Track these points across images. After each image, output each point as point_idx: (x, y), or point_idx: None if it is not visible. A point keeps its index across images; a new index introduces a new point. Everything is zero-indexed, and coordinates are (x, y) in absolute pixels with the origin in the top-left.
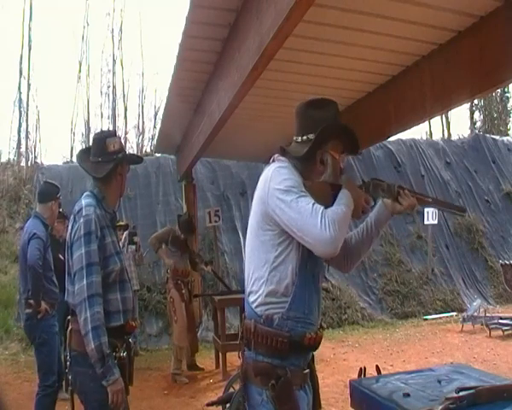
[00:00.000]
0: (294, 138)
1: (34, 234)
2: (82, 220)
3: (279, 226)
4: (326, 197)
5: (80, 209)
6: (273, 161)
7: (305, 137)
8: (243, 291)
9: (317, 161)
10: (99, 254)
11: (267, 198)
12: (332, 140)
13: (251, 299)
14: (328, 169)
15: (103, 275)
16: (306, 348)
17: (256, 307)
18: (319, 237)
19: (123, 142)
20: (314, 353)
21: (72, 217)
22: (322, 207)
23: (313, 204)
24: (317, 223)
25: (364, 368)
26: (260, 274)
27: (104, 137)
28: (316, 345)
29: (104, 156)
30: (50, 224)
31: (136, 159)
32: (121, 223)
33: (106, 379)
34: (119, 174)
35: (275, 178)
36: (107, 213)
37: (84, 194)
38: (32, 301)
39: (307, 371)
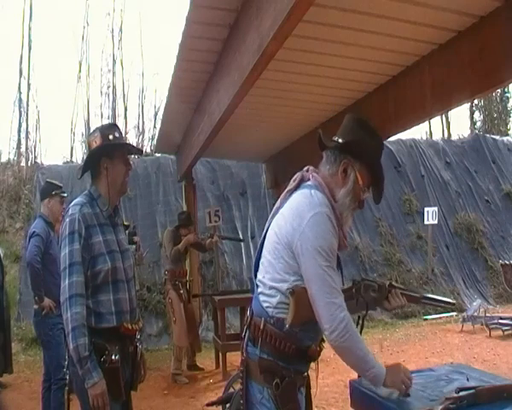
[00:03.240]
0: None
1: (33, 232)
2: (67, 220)
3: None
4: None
5: (68, 209)
6: (307, 171)
7: (340, 140)
8: (244, 291)
9: (340, 167)
10: (84, 254)
11: (297, 236)
12: (363, 165)
13: (262, 298)
14: (349, 184)
15: (91, 275)
16: (309, 358)
17: (267, 307)
18: (327, 322)
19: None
20: None
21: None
22: (344, 307)
23: (336, 289)
24: (332, 313)
25: None
26: (277, 285)
27: (87, 136)
28: (318, 356)
29: (87, 154)
30: (52, 221)
31: (124, 145)
32: (125, 223)
33: (85, 382)
34: (105, 168)
35: (313, 225)
36: (103, 211)
37: (82, 194)
38: (36, 298)
39: (306, 374)
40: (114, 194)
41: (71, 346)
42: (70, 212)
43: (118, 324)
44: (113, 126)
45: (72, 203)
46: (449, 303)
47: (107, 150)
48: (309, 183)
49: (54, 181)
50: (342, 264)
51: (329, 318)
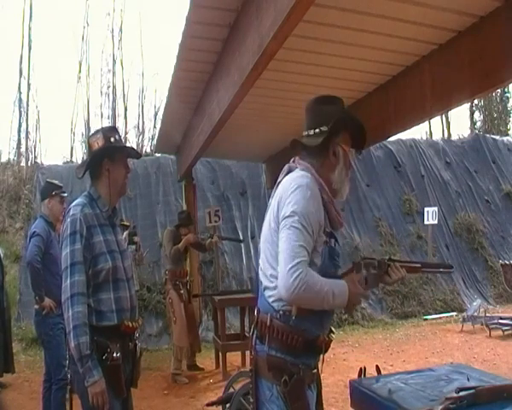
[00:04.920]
0: (305, 133)
1: (34, 232)
2: (68, 220)
3: None
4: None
5: (69, 209)
6: (293, 162)
7: (317, 130)
8: (244, 291)
9: (330, 153)
10: (85, 254)
11: (281, 205)
12: (343, 133)
13: (267, 294)
14: (340, 162)
15: (92, 274)
16: (318, 350)
17: (273, 301)
18: (283, 277)
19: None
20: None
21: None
22: (306, 261)
23: (301, 247)
24: (290, 267)
25: (364, 368)
26: (275, 272)
27: (89, 137)
28: (326, 348)
29: (89, 155)
30: (53, 221)
31: (125, 150)
32: (126, 223)
33: (86, 380)
34: (106, 170)
35: (292, 194)
36: (103, 211)
37: (82, 194)
38: (37, 298)
39: (315, 371)
40: (114, 195)
41: (72, 344)
42: (71, 212)
43: (118, 322)
44: (113, 129)
45: (74, 204)
46: (447, 267)
47: (110, 152)
48: (297, 169)
49: (54, 181)
50: (341, 264)
51: (285, 279)
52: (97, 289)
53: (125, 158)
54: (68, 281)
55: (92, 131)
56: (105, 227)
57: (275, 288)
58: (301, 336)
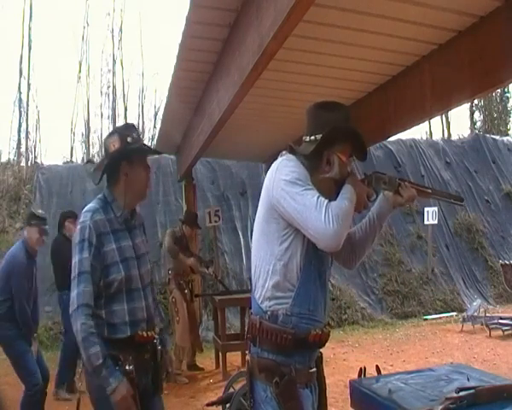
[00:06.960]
0: (304, 138)
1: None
2: (78, 227)
3: (283, 218)
4: (329, 192)
5: (80, 216)
6: (281, 156)
7: (313, 137)
8: (244, 291)
9: (323, 161)
10: (95, 263)
11: (272, 189)
12: (340, 142)
13: (257, 294)
14: (334, 170)
15: (104, 284)
16: (311, 346)
17: (261, 302)
18: (323, 230)
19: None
20: (323, 353)
21: None
22: (326, 201)
23: (318, 197)
24: (321, 217)
25: (364, 368)
26: (265, 268)
27: (105, 139)
28: (321, 342)
29: (106, 158)
30: (30, 251)
31: (145, 150)
32: None
33: (106, 390)
34: (124, 174)
35: (281, 169)
36: (117, 216)
37: (96, 197)
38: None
39: (314, 369)
40: (132, 199)
41: (84, 358)
42: (81, 219)
43: (132, 333)
44: (130, 127)
45: (85, 209)
46: (458, 199)
47: (127, 154)
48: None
49: (38, 211)
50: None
51: (325, 229)
52: (110, 301)
53: (143, 158)
54: (75, 292)
55: (108, 132)
56: (120, 232)
57: (263, 285)
58: (290, 334)
